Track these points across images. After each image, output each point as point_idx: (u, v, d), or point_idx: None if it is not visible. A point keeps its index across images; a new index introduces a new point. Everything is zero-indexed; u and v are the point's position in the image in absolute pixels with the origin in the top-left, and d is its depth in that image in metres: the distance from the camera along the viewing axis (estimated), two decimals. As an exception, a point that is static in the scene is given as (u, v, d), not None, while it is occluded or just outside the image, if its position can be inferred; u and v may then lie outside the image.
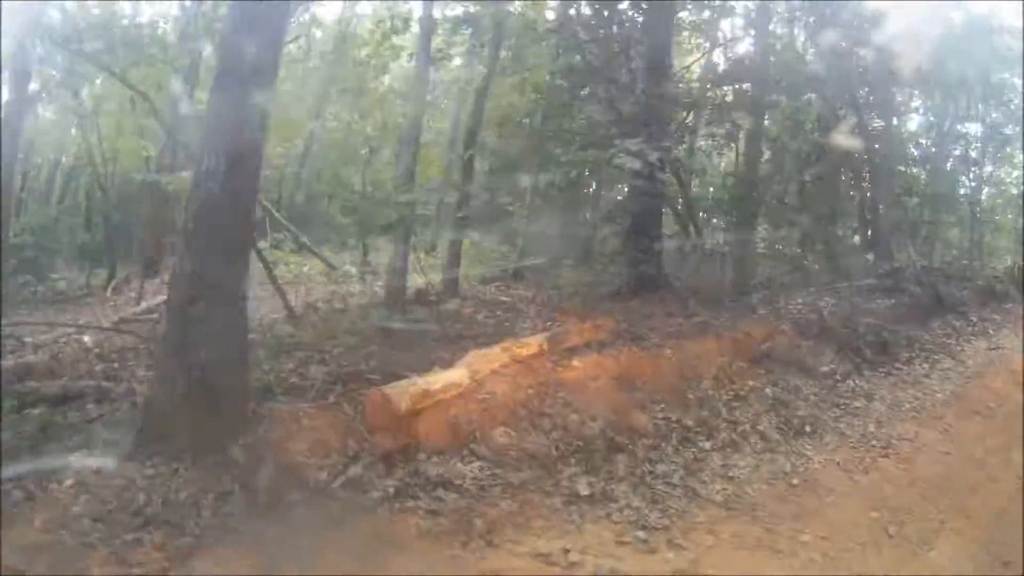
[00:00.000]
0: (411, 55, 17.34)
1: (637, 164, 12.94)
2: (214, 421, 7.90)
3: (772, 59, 18.94)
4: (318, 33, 25.14)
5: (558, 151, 16.95)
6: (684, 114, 17.28)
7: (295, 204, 24.58)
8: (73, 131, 20.99)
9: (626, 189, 18.89)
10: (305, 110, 23.97)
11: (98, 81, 18.12)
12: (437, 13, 16.55)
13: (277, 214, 20.72)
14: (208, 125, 8.71)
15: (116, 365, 10.80)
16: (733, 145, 20.21)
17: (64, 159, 23.06)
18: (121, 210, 20.88)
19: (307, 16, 23.49)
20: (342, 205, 19.74)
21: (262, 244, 19.13)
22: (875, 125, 21.45)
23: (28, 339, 12.40)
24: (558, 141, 17.33)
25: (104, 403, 9.05)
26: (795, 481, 9.40)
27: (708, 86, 17.69)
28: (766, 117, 19.29)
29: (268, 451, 7.89)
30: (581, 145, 16.07)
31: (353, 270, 18.34)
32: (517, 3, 18.92)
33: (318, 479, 7.72)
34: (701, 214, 20.27)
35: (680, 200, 19.19)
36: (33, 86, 18.00)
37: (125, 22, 16.98)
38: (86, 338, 12.57)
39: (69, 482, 7.21)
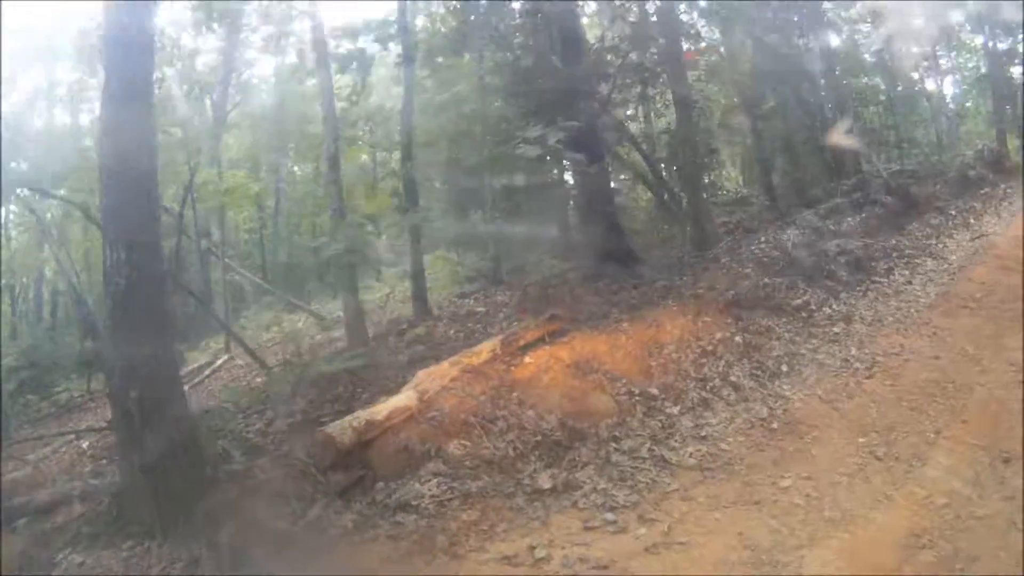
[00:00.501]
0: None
1: (536, 151, 12.83)
2: (174, 495, 8.17)
3: (685, 10, 18.83)
4: (263, 95, 25.28)
5: (468, 155, 16.82)
6: (604, 86, 17.07)
7: (279, 263, 24.66)
8: (45, 247, 21.27)
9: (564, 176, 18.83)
10: (263, 171, 24.06)
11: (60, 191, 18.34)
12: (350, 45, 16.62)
13: (255, 278, 20.88)
14: (105, 222, 8.87)
15: (104, 462, 11.15)
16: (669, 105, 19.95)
17: (47, 273, 23.34)
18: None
19: (243, 80, 23.58)
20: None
21: (247, 312, 19.45)
22: (812, 45, 21.21)
23: (31, 456, 12.57)
24: (471, 146, 17.25)
25: (88, 501, 9.31)
26: (774, 426, 9.27)
27: (621, 53, 17.45)
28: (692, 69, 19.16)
29: (230, 512, 8.05)
30: (490, 144, 15.93)
31: (343, 315, 18.39)
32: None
33: (279, 528, 7.84)
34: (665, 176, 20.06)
35: (642, 169, 19.18)
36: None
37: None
38: (84, 442, 12.76)
39: (54, 579, 7.53)
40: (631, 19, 17.81)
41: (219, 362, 17.49)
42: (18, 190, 18.27)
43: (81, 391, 18.95)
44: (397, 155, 18.15)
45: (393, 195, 17.23)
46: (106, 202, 8.76)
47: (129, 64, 8.88)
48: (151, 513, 8.06)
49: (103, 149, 9.05)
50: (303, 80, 18.60)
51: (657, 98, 19.59)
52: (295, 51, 20.77)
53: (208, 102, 22.19)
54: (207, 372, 17.02)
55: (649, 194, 20.50)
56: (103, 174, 8.83)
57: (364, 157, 22.97)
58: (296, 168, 25.72)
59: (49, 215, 20.00)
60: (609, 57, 17.35)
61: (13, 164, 16.79)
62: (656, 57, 17.71)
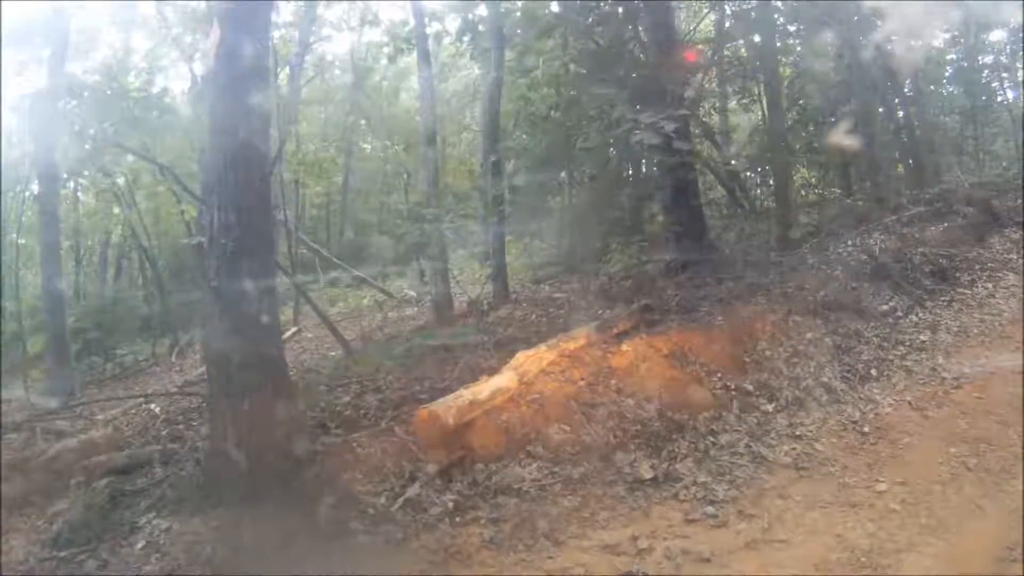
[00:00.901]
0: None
1: (656, 139, 12.69)
2: (270, 465, 8.12)
3: (779, 5, 18.58)
4: (336, 71, 25.32)
5: (579, 141, 16.64)
6: (699, 78, 16.84)
7: (345, 239, 24.73)
8: (115, 209, 21.40)
9: (648, 164, 18.60)
10: (333, 147, 24.13)
11: (129, 157, 18.43)
12: (438, 26, 16.53)
13: (327, 253, 20.95)
14: (209, 182, 8.85)
15: (181, 427, 11.17)
16: (757, 101, 19.78)
17: (113, 236, 23.53)
18: (175, 276, 21.27)
19: (318, 55, 23.67)
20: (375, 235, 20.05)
21: (315, 285, 19.49)
22: (897, 51, 20.92)
23: (99, 416, 12.63)
24: (577, 130, 17.10)
25: (170, 464, 9.36)
26: (866, 429, 9.22)
27: (715, 46, 17.29)
28: (783, 65, 18.99)
29: (326, 485, 8.08)
30: (598, 129, 15.80)
31: (412, 294, 18.36)
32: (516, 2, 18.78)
33: (378, 504, 7.84)
34: (746, 174, 19.91)
35: (717, 164, 19.03)
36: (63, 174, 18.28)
37: (134, 95, 17.11)
38: (154, 405, 12.79)
39: (140, 544, 7.59)
40: (728, 13, 17.72)
41: (288, 334, 17.55)
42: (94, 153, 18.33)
43: (145, 355, 19.08)
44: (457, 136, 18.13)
45: (480, 175, 17.18)
46: (211, 164, 8.71)
47: (247, 18, 8.82)
48: (244, 483, 7.96)
49: (215, 108, 8.98)
50: (394, 57, 18.51)
51: (745, 93, 19.46)
52: (383, 28, 20.75)
53: (286, 74, 22.34)
54: (279, 343, 17.07)
55: (722, 191, 20.38)
56: (213, 134, 8.80)
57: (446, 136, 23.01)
58: (366, 146, 25.80)
59: (121, 179, 20.08)
60: (708, 51, 17.22)
61: (93, 129, 16.86)
62: (749, 53, 17.61)
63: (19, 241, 19.86)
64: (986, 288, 13.90)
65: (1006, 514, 7.22)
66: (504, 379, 9.21)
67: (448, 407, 8.40)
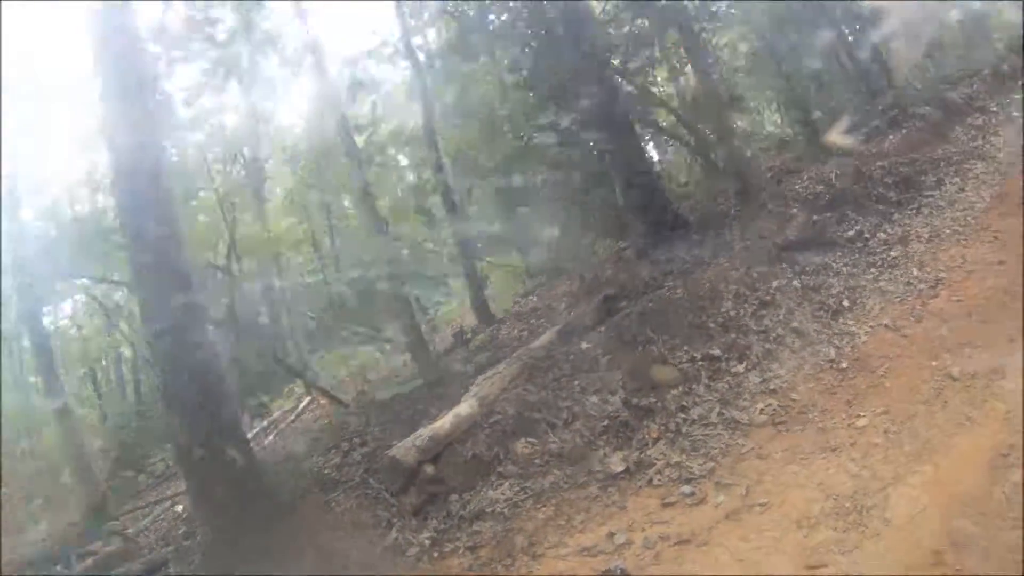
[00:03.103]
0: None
1: (552, 138, 12.62)
2: (254, 541, 8.36)
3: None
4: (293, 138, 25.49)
5: (485, 158, 16.56)
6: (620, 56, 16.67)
7: (345, 298, 24.80)
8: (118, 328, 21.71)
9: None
10: (315, 212, 24.31)
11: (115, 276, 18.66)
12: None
13: (324, 318, 21.11)
14: (141, 297, 9.04)
15: (197, 522, 11.34)
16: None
17: (124, 352, 23.83)
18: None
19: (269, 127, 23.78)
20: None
21: (321, 352, 19.67)
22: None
23: (130, 529, 12.89)
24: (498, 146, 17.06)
25: (182, 561, 9.60)
26: (843, 365, 9.08)
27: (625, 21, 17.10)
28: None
29: (309, 545, 8.23)
30: (510, 140, 15.73)
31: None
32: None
33: (358, 557, 7.94)
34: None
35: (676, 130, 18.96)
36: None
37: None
38: (179, 507, 13.03)
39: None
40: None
41: (302, 405, 17.73)
42: (77, 281, 18.64)
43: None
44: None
45: (418, 211, 17.17)
46: (134, 280, 8.93)
47: (136, 142, 9.00)
48: (234, 562, 8.23)
49: (126, 225, 9.20)
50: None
51: (673, 57, 19.25)
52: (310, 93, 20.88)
53: (241, 159, 22.46)
54: (291, 417, 17.27)
55: (677, 159, 20.31)
56: (130, 252, 9.01)
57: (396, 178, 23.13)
58: (347, 203, 25.93)
59: (117, 295, 20.40)
60: (611, 29, 17.05)
61: (68, 256, 17.17)
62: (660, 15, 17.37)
63: (29, 379, 20.17)
64: (954, 184, 13.57)
65: (996, 418, 7.11)
66: (465, 407, 9.23)
67: (408, 449, 8.52)
